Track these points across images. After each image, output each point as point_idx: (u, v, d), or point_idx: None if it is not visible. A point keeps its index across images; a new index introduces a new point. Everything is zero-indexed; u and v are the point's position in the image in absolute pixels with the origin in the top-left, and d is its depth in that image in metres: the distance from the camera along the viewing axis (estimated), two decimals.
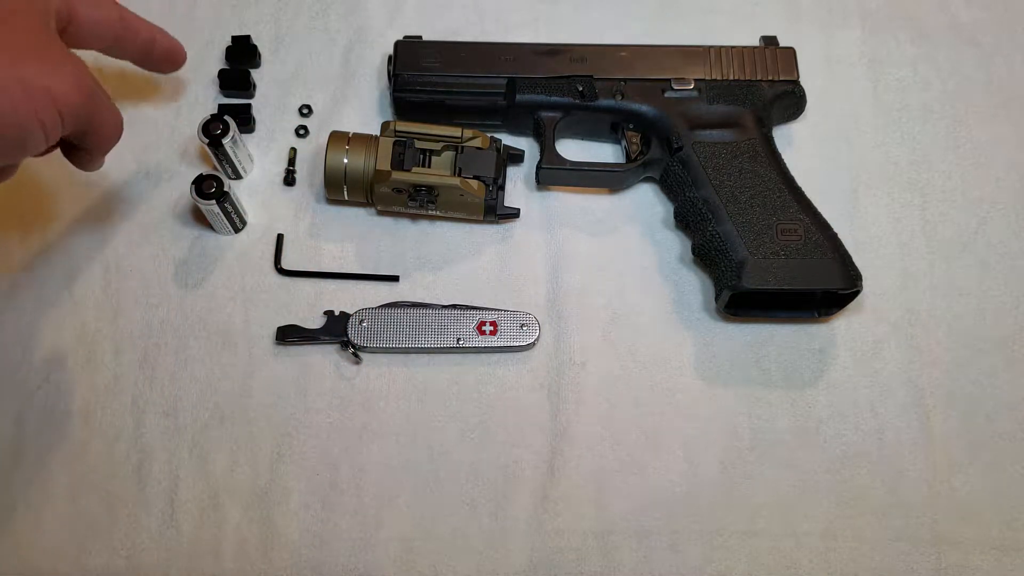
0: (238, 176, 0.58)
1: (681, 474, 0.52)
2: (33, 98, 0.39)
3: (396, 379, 0.54)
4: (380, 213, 0.58)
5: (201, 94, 0.60)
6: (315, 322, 0.54)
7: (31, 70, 0.39)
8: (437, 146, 0.54)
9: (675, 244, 0.57)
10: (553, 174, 0.57)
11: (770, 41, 0.59)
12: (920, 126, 0.61)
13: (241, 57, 0.60)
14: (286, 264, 0.56)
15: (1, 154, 0.39)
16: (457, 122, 0.56)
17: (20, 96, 0.38)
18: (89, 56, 0.47)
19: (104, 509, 0.51)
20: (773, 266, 0.51)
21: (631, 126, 0.57)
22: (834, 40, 0.63)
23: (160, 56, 0.52)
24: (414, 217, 0.58)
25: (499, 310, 0.54)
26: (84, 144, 0.45)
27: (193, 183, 0.52)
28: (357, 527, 0.51)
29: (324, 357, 0.54)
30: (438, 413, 0.53)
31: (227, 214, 0.54)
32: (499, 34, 0.63)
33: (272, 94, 0.61)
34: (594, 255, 0.57)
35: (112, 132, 0.46)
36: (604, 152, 0.60)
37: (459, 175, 0.54)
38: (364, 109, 0.60)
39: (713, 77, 0.57)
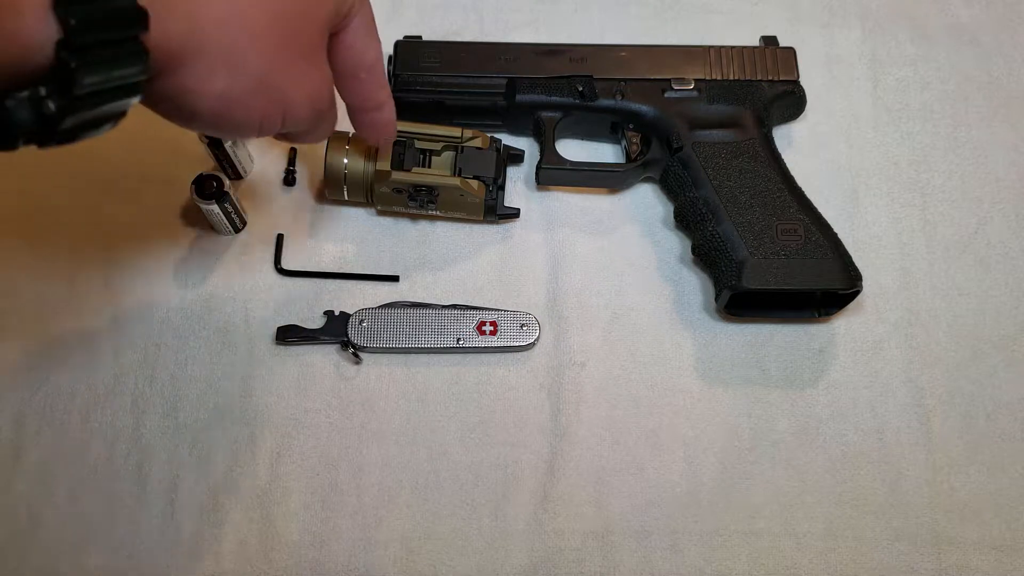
0: (238, 176, 0.58)
1: (681, 474, 0.52)
2: (270, 107, 0.38)
3: (396, 379, 0.54)
4: (380, 213, 0.58)
5: None
6: (315, 322, 0.54)
7: (287, 78, 0.38)
8: (437, 146, 0.54)
9: (675, 244, 0.57)
10: (553, 174, 0.57)
11: (770, 41, 0.59)
12: (920, 126, 0.61)
13: None
14: (286, 264, 0.56)
15: (209, 129, 0.39)
16: (457, 122, 0.56)
17: (261, 103, 0.37)
18: None
19: (104, 509, 0.51)
20: (773, 266, 0.51)
21: (631, 126, 0.57)
22: (834, 40, 0.63)
23: (369, 122, 0.47)
24: (414, 217, 0.58)
25: (499, 310, 0.54)
26: (279, 136, 0.43)
27: (193, 183, 0.52)
28: (357, 527, 0.51)
29: (324, 357, 0.54)
30: (438, 413, 0.53)
31: (227, 214, 0.54)
32: (499, 34, 0.63)
33: None
34: (594, 255, 0.57)
35: (312, 141, 0.45)
36: (604, 152, 0.60)
37: (459, 175, 0.54)
38: None
39: (713, 77, 0.57)
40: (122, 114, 0.32)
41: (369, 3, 0.43)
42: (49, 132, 0.29)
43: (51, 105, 0.28)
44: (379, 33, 0.61)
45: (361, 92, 0.45)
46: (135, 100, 0.32)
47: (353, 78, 0.44)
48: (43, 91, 0.28)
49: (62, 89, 0.28)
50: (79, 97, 0.29)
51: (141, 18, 0.30)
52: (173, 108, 0.36)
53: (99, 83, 0.29)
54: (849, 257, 0.52)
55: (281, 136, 0.43)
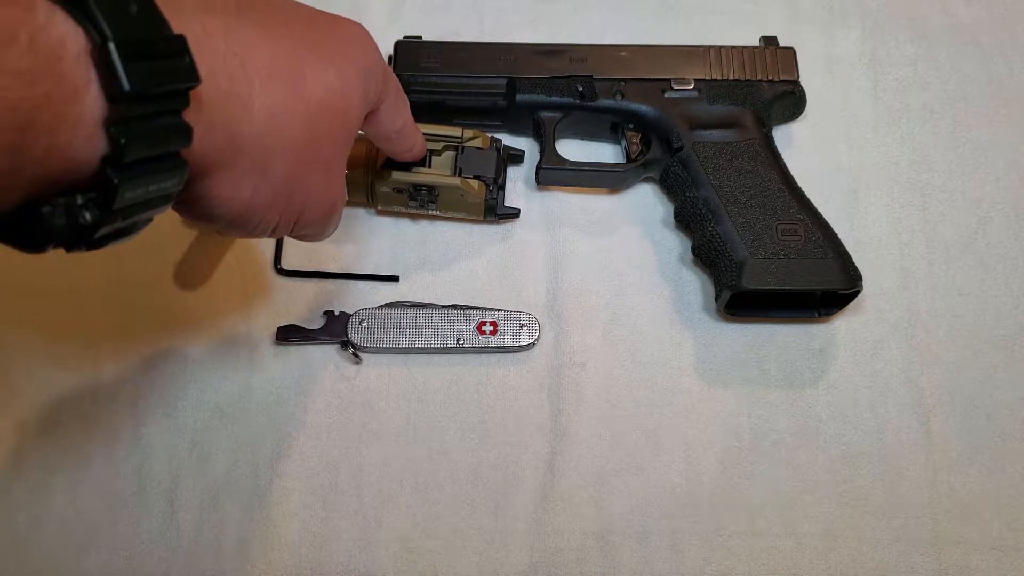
0: None
1: (681, 474, 0.52)
2: (287, 214, 0.38)
3: (396, 379, 0.54)
4: (380, 213, 0.58)
5: None
6: (315, 322, 0.54)
7: (308, 188, 0.38)
8: (438, 146, 0.54)
9: (675, 244, 0.57)
10: (553, 174, 0.57)
11: (770, 41, 0.59)
12: (920, 126, 0.61)
13: None
14: (286, 264, 0.56)
15: (221, 229, 0.38)
16: (457, 122, 0.56)
17: (279, 211, 0.38)
18: None
19: (104, 509, 0.51)
20: (773, 266, 0.51)
21: (631, 126, 0.57)
22: (834, 40, 0.63)
23: (402, 157, 0.51)
24: (414, 217, 0.58)
25: (499, 310, 0.54)
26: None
27: None
28: (357, 527, 0.51)
29: (324, 357, 0.54)
30: (438, 413, 0.53)
31: None
32: (499, 34, 0.63)
33: None
34: (594, 255, 0.57)
35: (316, 240, 0.45)
36: (604, 152, 0.60)
37: (459, 175, 0.54)
38: None
39: (713, 77, 0.57)
40: (149, 220, 0.32)
41: (395, 78, 0.45)
42: (82, 240, 0.29)
43: (88, 216, 0.28)
44: (379, 33, 0.62)
45: (395, 146, 0.49)
46: (166, 208, 0.32)
47: (387, 140, 0.47)
48: (80, 200, 0.27)
49: (101, 201, 0.28)
50: (116, 209, 0.28)
51: (186, 134, 0.29)
52: (193, 210, 0.35)
53: (138, 196, 0.29)
54: (849, 257, 0.52)
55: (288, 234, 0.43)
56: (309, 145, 0.37)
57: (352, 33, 0.41)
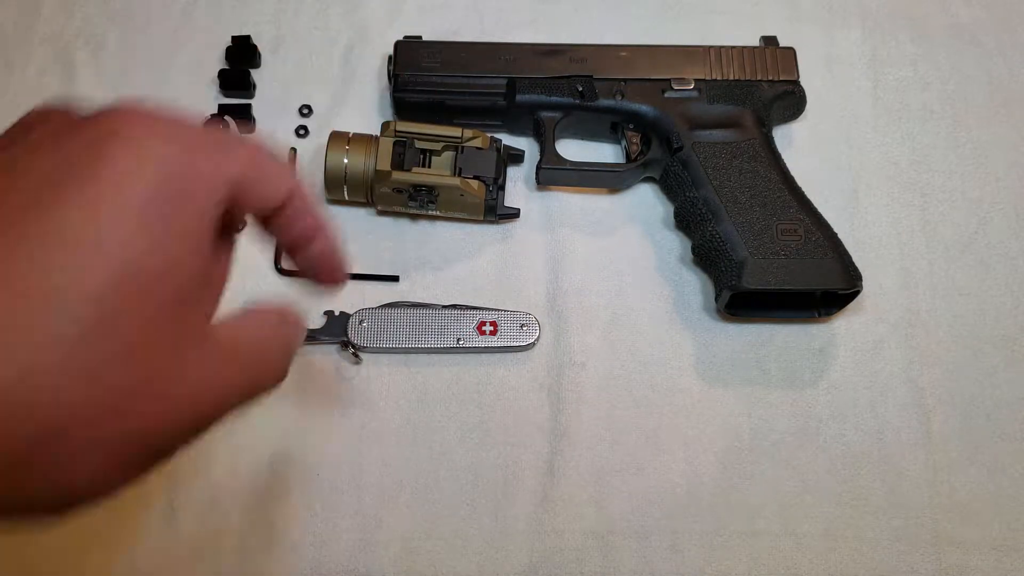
0: None
1: (681, 474, 0.52)
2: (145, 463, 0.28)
3: (396, 379, 0.54)
4: (380, 213, 0.58)
5: (201, 94, 0.60)
6: (315, 322, 0.54)
7: (133, 402, 0.25)
8: (437, 146, 0.54)
9: (675, 244, 0.57)
10: (553, 174, 0.57)
11: (770, 41, 0.59)
12: (920, 126, 0.61)
13: (241, 57, 0.60)
14: (286, 264, 0.56)
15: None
16: (457, 122, 0.56)
17: (129, 472, 0.27)
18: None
19: (104, 509, 0.51)
20: (773, 266, 0.51)
21: (631, 126, 0.57)
22: (834, 40, 0.63)
23: (312, 259, 0.33)
24: (414, 217, 0.58)
25: (499, 310, 0.54)
26: None
27: None
28: (357, 527, 0.51)
29: (324, 357, 0.54)
30: (438, 413, 0.53)
31: None
32: (499, 34, 0.63)
33: (272, 94, 0.61)
34: (594, 255, 0.57)
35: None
36: (604, 152, 0.60)
37: (459, 175, 0.54)
38: (364, 109, 0.60)
39: (713, 77, 0.57)
40: None
41: (240, 144, 0.28)
42: None
43: None
44: (379, 33, 0.62)
45: (287, 227, 0.32)
46: None
47: (273, 222, 0.31)
48: None
49: None
50: None
51: None
52: None
53: None
54: (849, 257, 0.52)
55: None
56: (94, 401, 0.23)
57: (115, 150, 0.24)
